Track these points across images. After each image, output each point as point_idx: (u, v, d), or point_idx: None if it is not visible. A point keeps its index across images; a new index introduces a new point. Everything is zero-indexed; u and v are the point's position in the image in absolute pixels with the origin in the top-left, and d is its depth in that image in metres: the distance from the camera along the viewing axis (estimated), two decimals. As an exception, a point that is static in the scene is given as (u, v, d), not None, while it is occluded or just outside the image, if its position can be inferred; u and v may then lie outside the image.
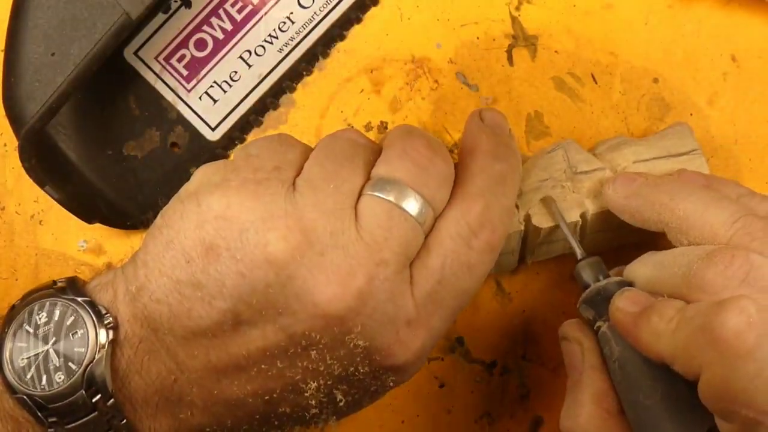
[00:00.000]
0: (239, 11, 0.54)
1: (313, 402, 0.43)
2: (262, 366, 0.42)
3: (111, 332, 0.42)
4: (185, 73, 0.54)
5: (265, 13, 0.54)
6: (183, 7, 0.54)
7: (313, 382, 0.43)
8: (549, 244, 0.51)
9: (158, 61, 0.54)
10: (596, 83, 0.54)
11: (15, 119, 0.50)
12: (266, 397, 0.43)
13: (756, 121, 0.54)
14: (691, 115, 0.54)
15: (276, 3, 0.54)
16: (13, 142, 0.53)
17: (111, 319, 0.42)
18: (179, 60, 0.54)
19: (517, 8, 0.55)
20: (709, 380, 0.40)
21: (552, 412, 0.55)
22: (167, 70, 0.54)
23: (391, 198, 0.43)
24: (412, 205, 0.43)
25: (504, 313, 0.55)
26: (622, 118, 0.54)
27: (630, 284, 0.46)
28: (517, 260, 0.53)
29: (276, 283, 0.41)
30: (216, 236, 0.42)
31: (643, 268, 0.46)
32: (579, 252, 0.48)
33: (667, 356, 0.42)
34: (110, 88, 0.54)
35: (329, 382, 0.43)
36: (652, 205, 0.47)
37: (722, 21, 0.54)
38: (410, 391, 0.55)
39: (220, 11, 0.54)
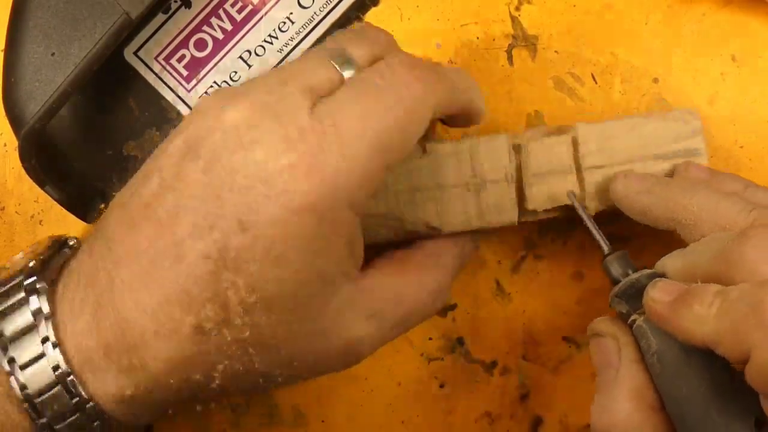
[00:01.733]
0: (239, 11, 0.54)
1: None
2: None
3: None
4: (185, 73, 0.54)
5: (265, 14, 0.54)
6: (183, 7, 0.54)
7: None
8: (544, 179, 0.50)
9: (158, 61, 0.54)
10: (596, 83, 0.54)
11: (15, 119, 0.50)
12: None
13: (756, 121, 0.54)
14: (691, 115, 0.54)
15: (276, 3, 0.54)
16: (13, 142, 0.53)
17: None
18: (179, 60, 0.54)
19: (517, 8, 0.55)
20: (759, 361, 0.39)
21: (552, 412, 0.55)
22: (167, 70, 0.54)
23: (327, 54, 0.44)
24: (340, 61, 0.44)
25: (504, 313, 0.55)
26: (622, 118, 0.54)
27: (662, 276, 0.46)
28: (516, 205, 0.50)
29: None
30: None
31: (673, 259, 0.46)
32: (606, 247, 0.48)
33: (711, 341, 0.41)
34: (110, 88, 0.54)
35: None
36: (665, 203, 0.47)
37: (722, 21, 0.54)
38: (410, 391, 0.55)
39: (220, 11, 0.54)
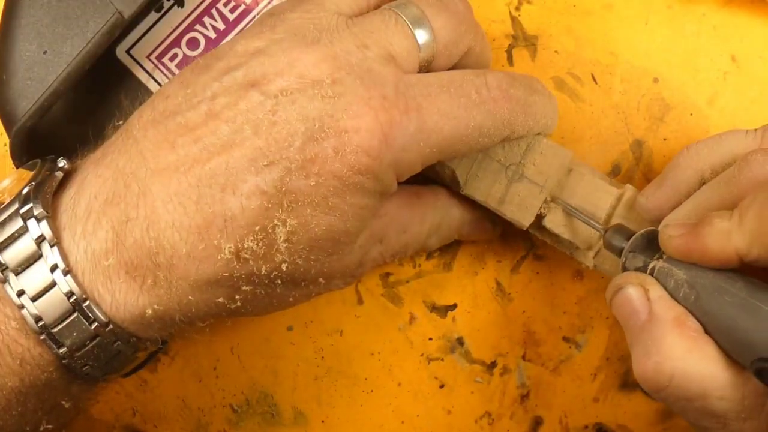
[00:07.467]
0: (232, 11, 0.54)
1: None
2: None
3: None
4: (177, 72, 0.53)
5: (258, 13, 0.54)
6: (176, 6, 0.53)
7: None
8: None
9: (150, 60, 0.53)
10: (596, 83, 0.54)
11: (6, 117, 0.49)
12: None
13: (756, 121, 0.54)
14: (691, 115, 0.54)
15: (268, 3, 0.54)
16: (9, 142, 0.52)
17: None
18: (171, 59, 0.54)
19: (517, 8, 0.54)
20: None
21: (552, 412, 0.55)
22: (159, 69, 0.54)
23: (408, 20, 0.45)
24: (422, 33, 0.45)
25: (504, 313, 0.54)
26: (622, 118, 0.54)
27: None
28: (535, 214, 0.50)
29: None
30: None
31: (674, 213, 0.46)
32: (600, 226, 0.49)
33: (743, 248, 0.41)
34: (102, 86, 0.53)
35: None
36: (686, 171, 0.48)
37: (722, 21, 0.54)
38: (410, 391, 0.55)
39: (213, 11, 0.54)
